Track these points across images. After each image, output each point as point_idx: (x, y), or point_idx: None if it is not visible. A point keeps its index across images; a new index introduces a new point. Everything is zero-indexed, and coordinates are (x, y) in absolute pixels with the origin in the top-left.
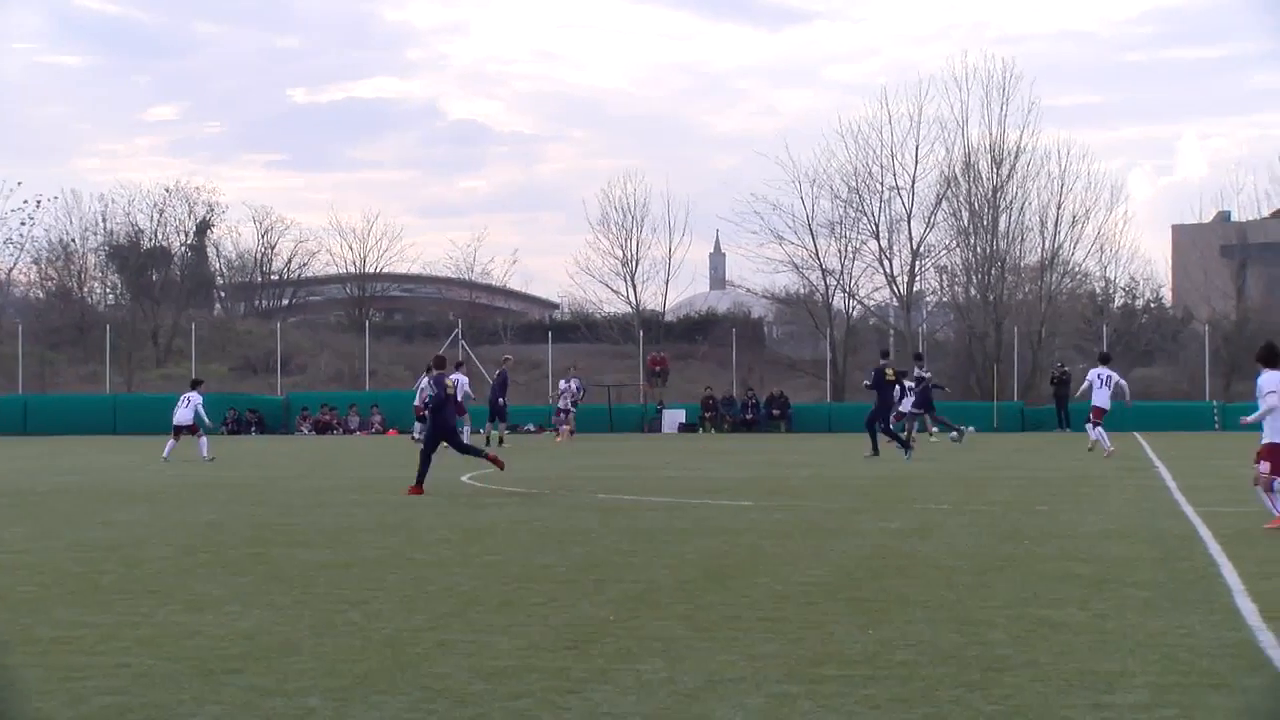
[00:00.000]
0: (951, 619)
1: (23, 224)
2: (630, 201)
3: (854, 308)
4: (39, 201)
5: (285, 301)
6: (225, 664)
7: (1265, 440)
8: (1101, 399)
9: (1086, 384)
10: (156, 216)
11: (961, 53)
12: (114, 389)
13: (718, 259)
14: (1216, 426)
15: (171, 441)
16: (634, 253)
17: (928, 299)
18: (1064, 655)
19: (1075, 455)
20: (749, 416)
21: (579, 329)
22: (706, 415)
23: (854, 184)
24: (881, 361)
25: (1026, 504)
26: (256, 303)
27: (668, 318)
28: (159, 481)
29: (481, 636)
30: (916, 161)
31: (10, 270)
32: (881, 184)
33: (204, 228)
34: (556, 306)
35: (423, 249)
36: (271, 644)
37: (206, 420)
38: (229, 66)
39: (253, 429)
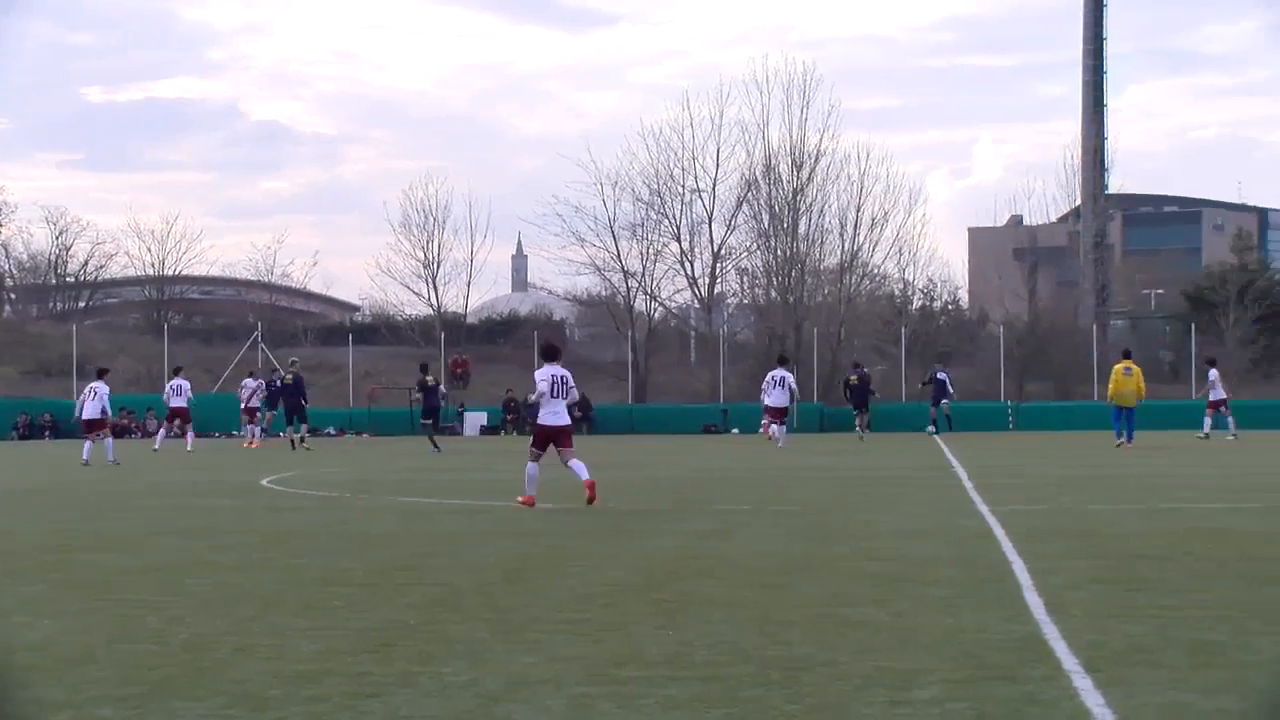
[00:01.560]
0: (753, 619)
1: None
2: (432, 203)
3: (655, 310)
4: None
5: (82, 304)
6: (11, 677)
7: None
8: (777, 399)
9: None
10: None
11: (763, 56)
12: None
13: (520, 261)
14: (1011, 426)
15: (87, 442)
16: (435, 255)
17: (729, 301)
18: (863, 654)
19: (873, 456)
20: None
21: (380, 331)
22: (509, 418)
23: (655, 186)
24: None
25: (826, 504)
26: (51, 305)
27: (470, 320)
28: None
29: (282, 640)
30: (718, 164)
31: None
32: (683, 186)
33: None
34: (357, 309)
35: (223, 251)
36: (62, 654)
37: (109, 415)
38: (16, 61)
39: (46, 434)
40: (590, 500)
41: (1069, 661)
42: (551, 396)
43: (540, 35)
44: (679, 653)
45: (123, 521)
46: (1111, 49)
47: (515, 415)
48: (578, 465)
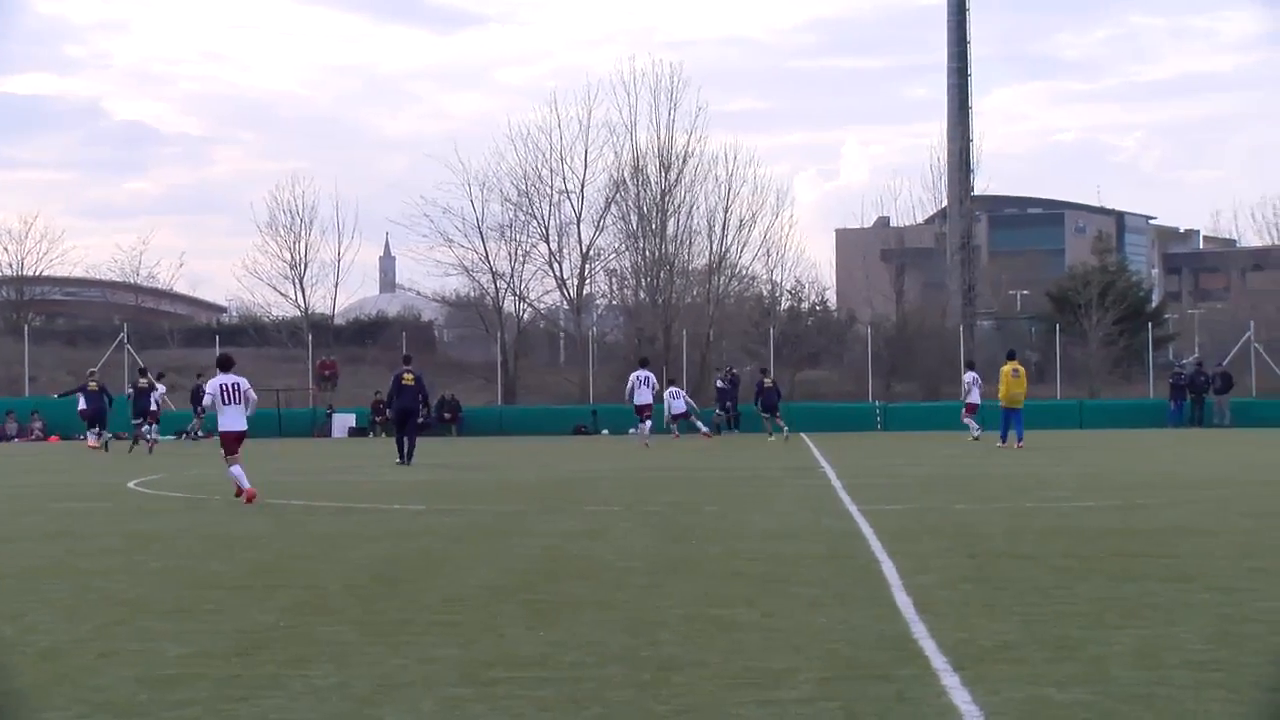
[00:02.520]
0: (623, 620)
1: None
2: (299, 204)
3: (525, 311)
4: None
5: None
6: None
7: None
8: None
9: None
10: None
11: (630, 57)
12: None
13: (388, 262)
14: (879, 426)
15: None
16: (302, 255)
17: (598, 302)
18: (733, 654)
19: (742, 456)
20: (419, 420)
21: (247, 333)
22: (377, 419)
23: (524, 187)
24: (403, 367)
25: (696, 505)
26: None
27: (337, 321)
28: None
29: (148, 645)
30: (586, 165)
31: None
32: (551, 188)
33: None
34: (225, 310)
35: (86, 252)
36: None
37: None
38: None
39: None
40: (250, 500)
41: (937, 660)
42: (224, 403)
43: (406, 35)
44: (550, 654)
45: None
46: (976, 52)
47: (383, 417)
48: (235, 471)
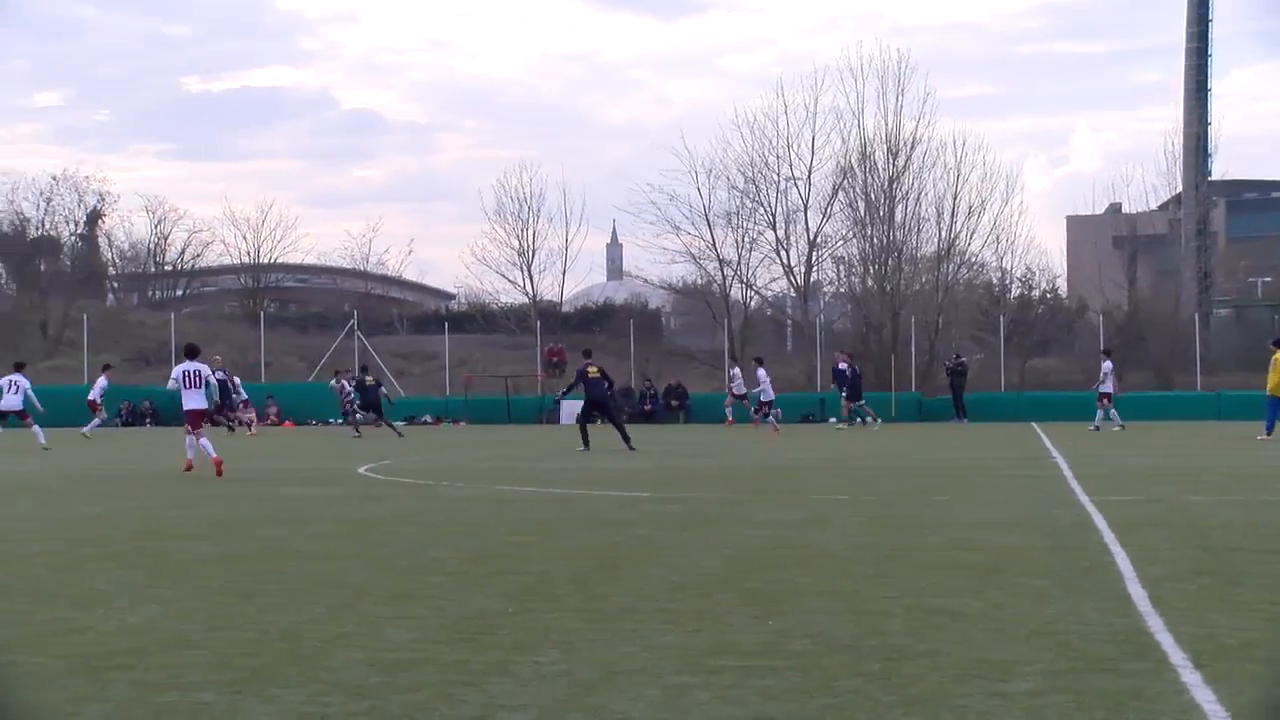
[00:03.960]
0: (848, 609)
1: None
2: (526, 191)
3: (751, 298)
4: None
5: (179, 292)
6: (114, 660)
7: None
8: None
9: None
10: (44, 205)
11: (856, 43)
12: None
13: (615, 250)
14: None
15: (36, 428)
16: (530, 243)
17: (825, 289)
18: (960, 644)
19: (970, 445)
20: (647, 407)
21: (475, 320)
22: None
23: (750, 174)
24: (585, 362)
25: (921, 494)
26: (150, 293)
27: (565, 308)
28: (41, 474)
29: (376, 629)
30: (813, 152)
31: None
32: (778, 174)
33: (95, 217)
34: (453, 297)
35: (317, 239)
36: (163, 639)
37: (38, 405)
38: (115, 52)
39: (148, 420)
40: (218, 474)
41: (1175, 655)
42: (185, 387)
43: (630, 22)
44: (775, 642)
45: (215, 509)
46: (1215, 31)
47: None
48: (202, 444)
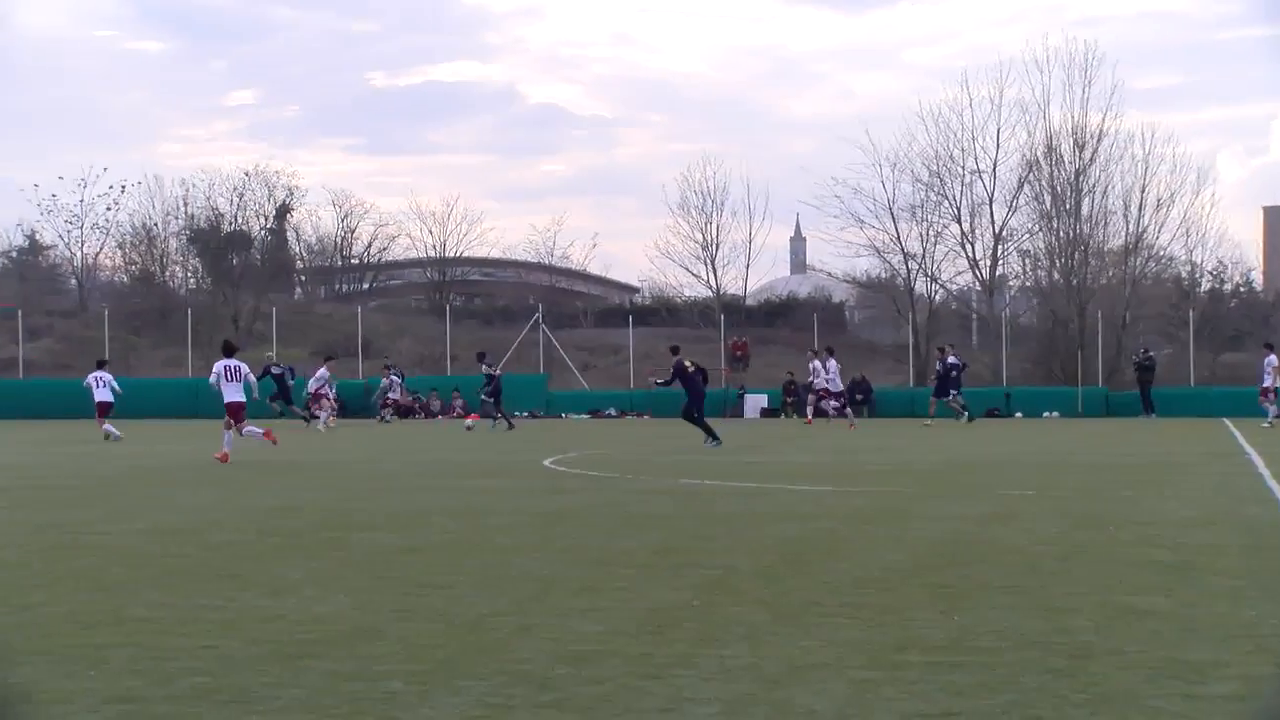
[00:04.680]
0: (1034, 605)
1: (108, 209)
2: (709, 185)
3: (936, 292)
4: (123, 187)
5: (365, 285)
6: (306, 648)
7: None
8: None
9: None
10: (236, 200)
11: (1042, 35)
12: (195, 373)
13: (798, 243)
14: None
15: (103, 420)
16: (714, 237)
17: (1010, 283)
18: (1151, 643)
19: (1159, 441)
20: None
21: (659, 313)
22: (788, 400)
23: (935, 168)
24: (675, 357)
25: (1109, 490)
26: (337, 286)
27: (748, 302)
28: (228, 465)
29: (562, 620)
30: (998, 145)
31: (96, 255)
32: (963, 167)
33: (284, 212)
34: (637, 290)
35: (502, 233)
36: (352, 628)
37: (118, 390)
38: (305, 50)
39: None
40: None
41: None
42: (227, 381)
43: (815, 16)
44: (960, 638)
45: (400, 500)
46: None
47: (795, 398)
48: (249, 430)
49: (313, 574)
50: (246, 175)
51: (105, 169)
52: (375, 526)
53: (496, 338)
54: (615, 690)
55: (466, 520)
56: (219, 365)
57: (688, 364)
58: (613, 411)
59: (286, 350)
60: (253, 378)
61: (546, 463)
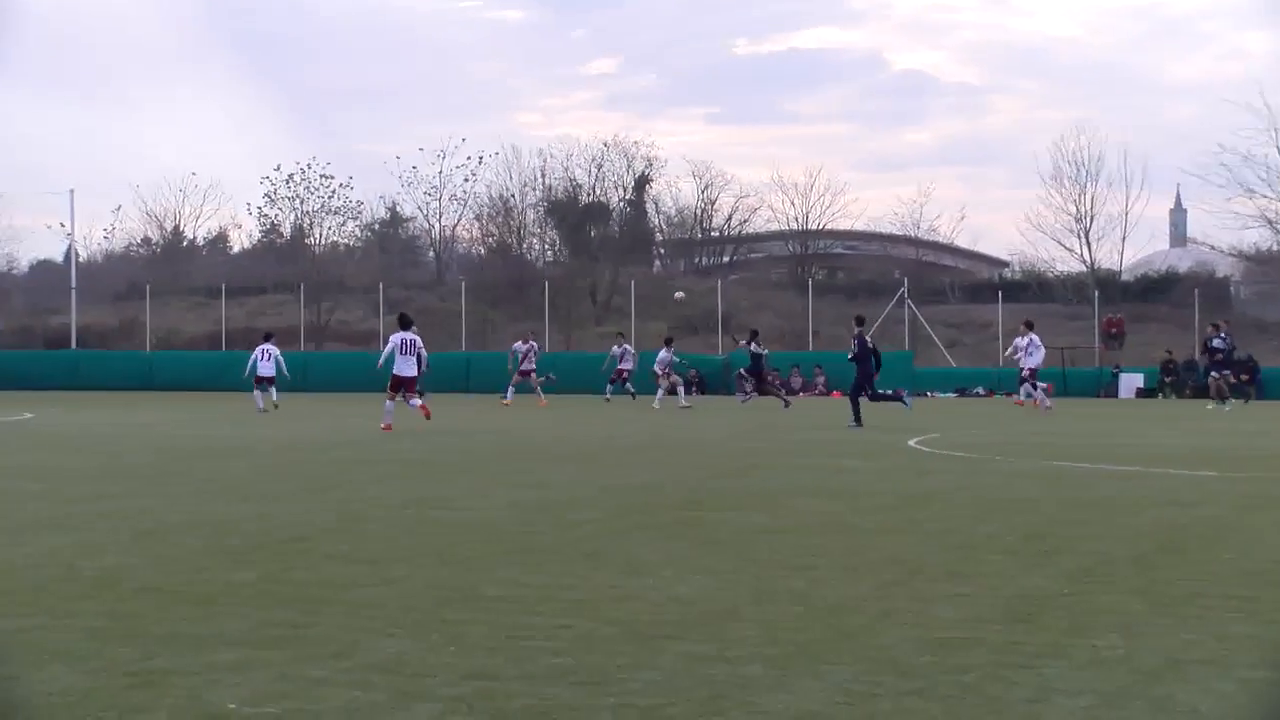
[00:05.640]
0: None
1: (465, 180)
2: (1084, 154)
3: None
4: (481, 158)
5: (725, 259)
6: (663, 629)
7: None
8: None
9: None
10: (594, 171)
11: None
12: (553, 347)
13: (1178, 215)
14: None
15: (258, 393)
16: (1088, 208)
17: None
18: None
19: None
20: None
21: (1029, 288)
22: (1166, 380)
23: None
24: (859, 329)
25: None
26: (696, 260)
27: (1124, 277)
28: (590, 440)
29: (926, 607)
30: None
31: (454, 227)
32: None
33: (643, 183)
34: (1006, 265)
35: (866, 205)
36: (710, 610)
37: (286, 373)
38: (667, 17)
39: (693, 389)
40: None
41: None
42: (400, 354)
43: None
44: None
45: (760, 480)
46: None
47: (1174, 377)
48: (414, 402)
49: (671, 554)
50: (605, 145)
51: (463, 140)
52: (734, 506)
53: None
54: (981, 680)
55: (828, 501)
56: (395, 338)
57: (868, 339)
58: (980, 390)
59: (644, 325)
60: (424, 351)
61: (911, 443)
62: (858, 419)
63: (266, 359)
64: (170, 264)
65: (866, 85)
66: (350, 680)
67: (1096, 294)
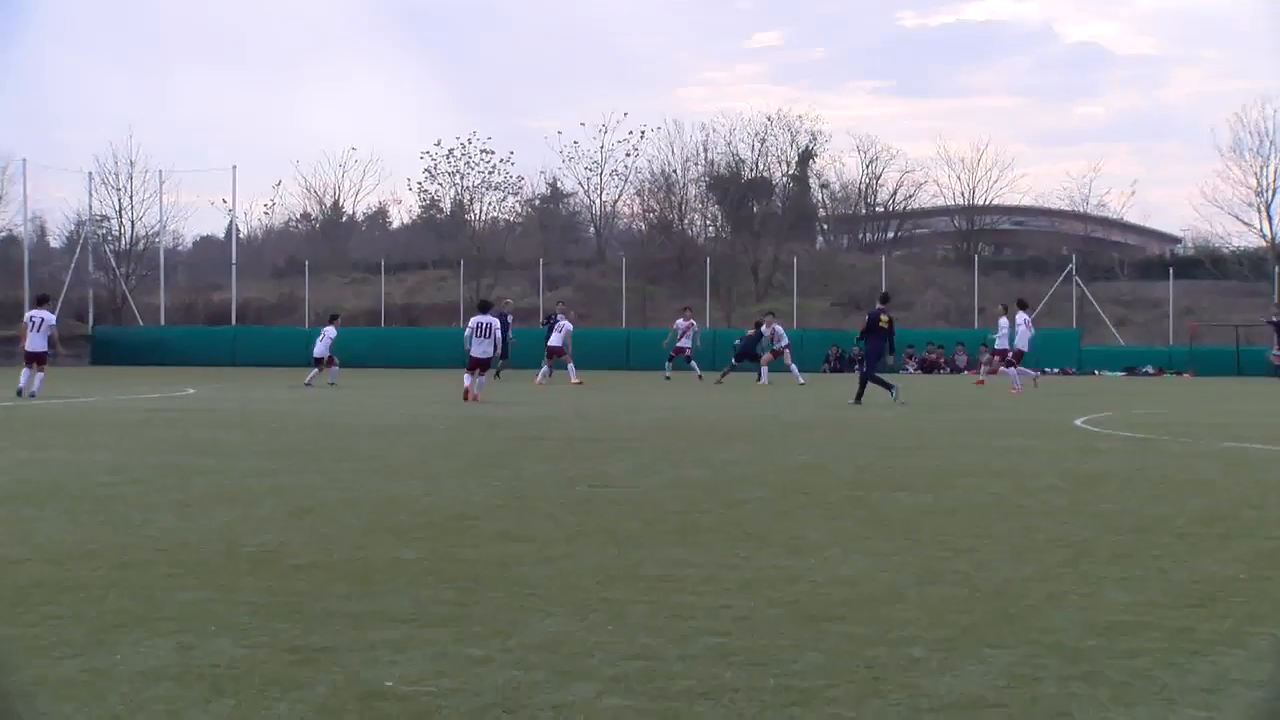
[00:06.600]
0: None
1: (627, 155)
2: (1267, 125)
3: None
4: (643, 132)
5: (890, 235)
6: (826, 610)
7: None
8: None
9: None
10: (758, 146)
11: None
12: (713, 324)
13: None
14: None
15: (314, 370)
16: (1270, 181)
17: None
18: None
19: None
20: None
21: (1203, 265)
22: None
23: None
24: (879, 307)
25: None
26: (860, 236)
27: None
28: (756, 419)
29: (1094, 590)
30: None
31: (615, 202)
32: None
33: (806, 157)
34: (1178, 241)
35: (1035, 180)
36: (873, 592)
37: (326, 352)
38: None
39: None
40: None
41: None
42: (477, 337)
43: None
44: None
45: (926, 460)
46: None
47: None
48: (480, 379)
49: (835, 534)
50: (769, 120)
51: (625, 114)
52: (900, 486)
53: (1027, 290)
54: (1152, 665)
55: (994, 481)
56: (473, 321)
57: (883, 319)
58: (1150, 369)
59: (807, 302)
60: (499, 335)
61: (1078, 422)
62: (859, 398)
63: (325, 339)
64: (329, 240)
65: (1038, 58)
66: (510, 660)
67: (1276, 270)
